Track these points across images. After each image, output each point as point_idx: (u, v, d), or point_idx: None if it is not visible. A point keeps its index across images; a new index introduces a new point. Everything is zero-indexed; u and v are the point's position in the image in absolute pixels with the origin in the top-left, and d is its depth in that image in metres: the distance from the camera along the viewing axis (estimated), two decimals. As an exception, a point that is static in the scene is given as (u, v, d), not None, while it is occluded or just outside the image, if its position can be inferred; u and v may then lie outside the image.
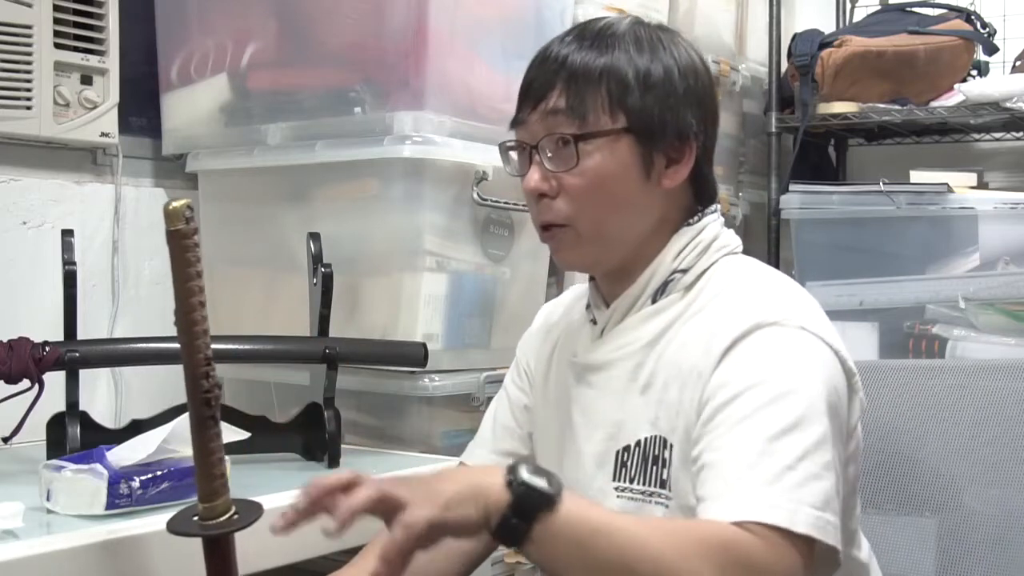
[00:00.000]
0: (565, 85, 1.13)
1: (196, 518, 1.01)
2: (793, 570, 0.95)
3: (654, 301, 1.17)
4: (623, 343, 1.17)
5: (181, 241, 0.95)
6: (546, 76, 1.15)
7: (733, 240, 1.21)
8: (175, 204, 0.94)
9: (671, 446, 1.10)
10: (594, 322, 1.23)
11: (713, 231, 1.19)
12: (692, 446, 1.06)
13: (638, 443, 1.13)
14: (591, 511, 0.95)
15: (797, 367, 1.04)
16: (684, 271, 1.16)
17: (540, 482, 0.93)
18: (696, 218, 1.19)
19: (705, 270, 1.16)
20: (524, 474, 0.93)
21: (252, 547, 1.16)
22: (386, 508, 0.92)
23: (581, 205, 1.14)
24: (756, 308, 1.08)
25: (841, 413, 1.07)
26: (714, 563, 0.92)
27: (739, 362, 1.05)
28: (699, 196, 1.20)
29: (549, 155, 1.14)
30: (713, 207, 1.21)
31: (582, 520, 0.93)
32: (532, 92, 1.16)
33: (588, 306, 1.25)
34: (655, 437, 1.12)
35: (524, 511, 0.92)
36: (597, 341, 1.20)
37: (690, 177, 1.17)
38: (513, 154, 1.21)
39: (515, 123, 1.19)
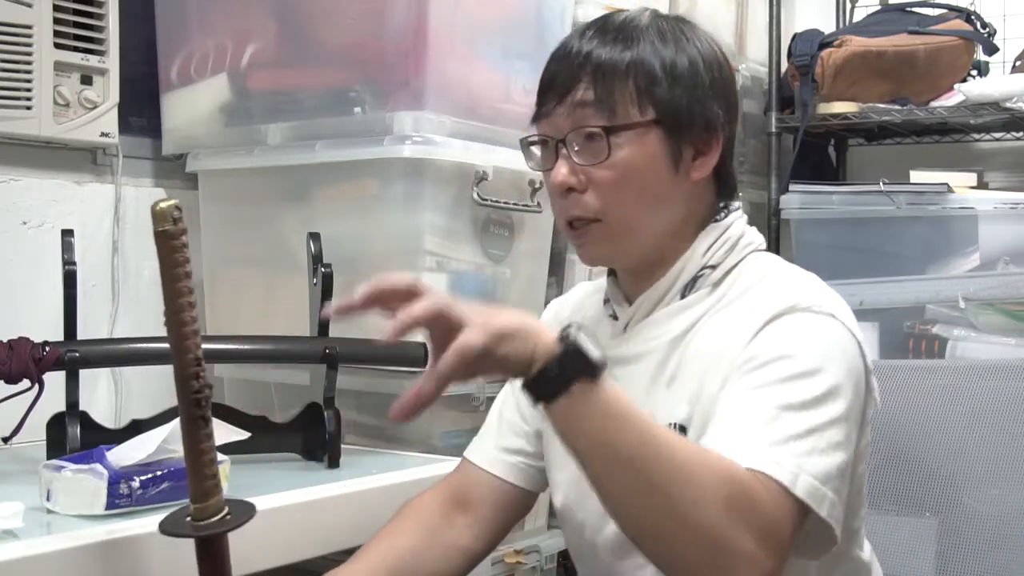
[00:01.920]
0: (592, 78, 1.13)
1: (188, 519, 1.01)
2: (785, 526, 0.95)
3: (682, 296, 1.17)
4: (650, 337, 1.17)
5: (169, 242, 0.94)
6: (571, 70, 1.14)
7: (757, 237, 1.22)
8: (162, 205, 0.94)
9: (685, 431, 1.11)
10: (614, 317, 1.22)
11: (740, 228, 1.20)
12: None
13: None
14: (628, 401, 0.94)
15: (826, 350, 1.05)
16: (713, 267, 1.17)
17: (592, 348, 0.92)
18: (723, 214, 1.19)
19: (733, 267, 1.17)
20: (579, 336, 0.93)
21: (251, 547, 1.16)
22: (441, 324, 0.92)
23: (612, 198, 1.13)
24: (791, 293, 1.10)
25: (860, 404, 1.08)
26: (724, 490, 0.92)
27: (771, 337, 1.06)
28: (721, 190, 1.20)
29: (576, 149, 1.13)
30: (737, 204, 1.22)
31: (618, 401, 0.93)
32: (556, 85, 1.15)
33: (606, 301, 1.24)
34: (673, 425, 1.12)
35: (568, 368, 0.92)
36: (621, 336, 1.20)
37: (714, 171, 1.18)
38: (535, 149, 1.20)
39: (538, 117, 1.17)
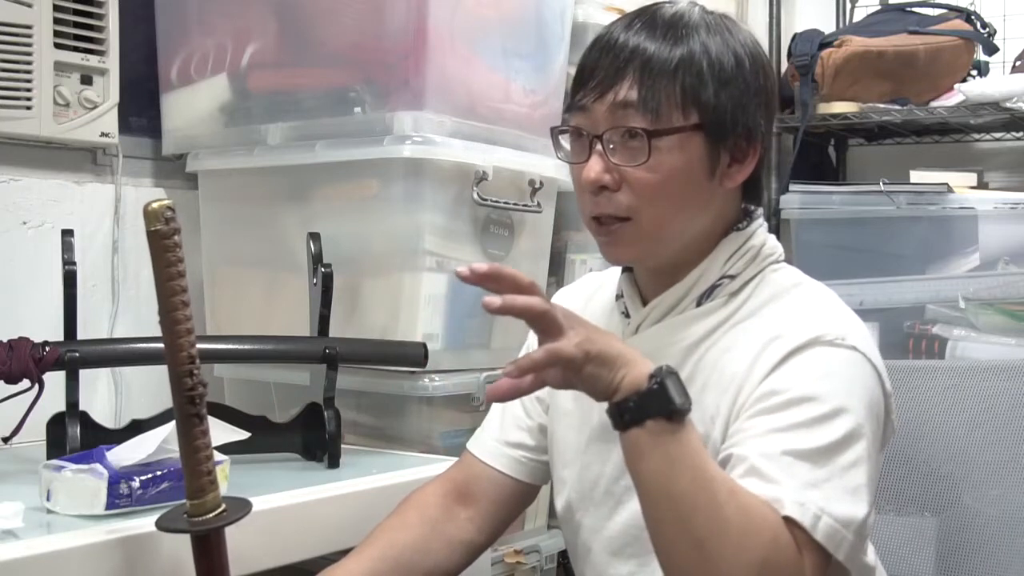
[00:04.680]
0: (638, 76, 1.09)
1: (185, 515, 1.02)
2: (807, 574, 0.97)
3: (698, 304, 1.15)
4: (664, 344, 1.15)
5: (161, 241, 0.96)
6: (614, 64, 1.11)
7: (778, 248, 1.20)
8: (155, 205, 0.95)
9: None
10: (626, 315, 1.21)
11: (761, 237, 1.18)
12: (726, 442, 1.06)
13: None
14: (698, 449, 0.97)
15: (849, 388, 1.05)
16: (732, 277, 1.15)
17: (676, 394, 0.96)
18: (745, 223, 1.17)
19: (752, 278, 1.16)
20: (668, 378, 0.96)
21: (251, 547, 1.16)
22: (542, 325, 0.96)
23: (646, 200, 1.11)
24: (815, 322, 1.08)
25: (879, 434, 1.08)
26: (760, 554, 0.94)
27: (795, 373, 1.05)
28: (749, 196, 1.19)
29: (612, 147, 1.11)
30: (760, 211, 1.20)
31: (686, 448, 0.96)
32: (598, 79, 1.11)
33: (619, 296, 1.23)
34: None
35: (646, 405, 0.96)
36: (632, 338, 1.18)
37: (746, 179, 1.16)
38: (565, 139, 1.17)
39: (574, 108, 1.14)
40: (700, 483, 0.95)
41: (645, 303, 1.19)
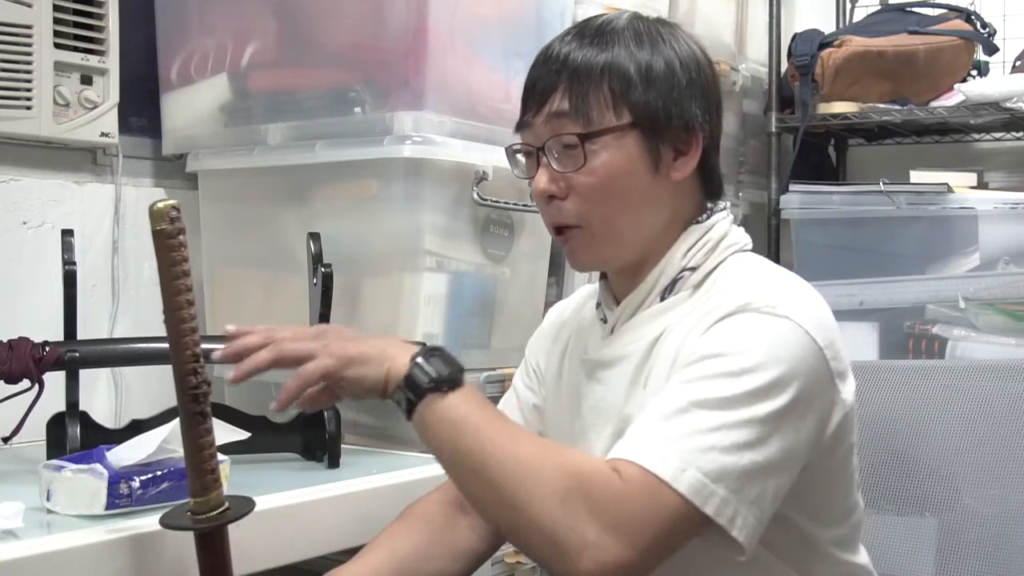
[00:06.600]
0: (568, 85, 1.14)
1: (189, 513, 1.03)
2: (653, 518, 0.97)
3: (662, 299, 1.17)
4: (631, 340, 1.17)
5: (165, 241, 0.96)
6: (548, 77, 1.15)
7: (742, 238, 1.21)
8: (160, 204, 0.96)
9: None
10: (604, 320, 1.23)
11: (722, 229, 1.19)
12: None
13: None
14: (478, 409, 1.04)
15: (768, 351, 1.03)
16: (693, 269, 1.16)
17: (435, 367, 1.04)
18: (705, 216, 1.19)
19: (713, 269, 1.17)
20: (423, 356, 1.04)
21: (251, 547, 1.16)
22: (288, 364, 1.06)
23: (592, 204, 1.14)
24: (747, 293, 1.09)
25: (809, 409, 1.05)
26: (562, 484, 0.97)
27: (713, 335, 1.07)
28: (707, 189, 1.20)
29: (556, 156, 1.15)
30: (723, 204, 1.22)
31: (462, 412, 1.03)
32: (535, 94, 1.16)
33: (598, 305, 1.25)
34: None
35: (414, 386, 1.03)
36: (607, 338, 1.21)
37: (698, 169, 1.17)
38: (520, 157, 1.21)
39: (520, 126, 1.19)
40: (485, 435, 1.01)
41: (619, 305, 1.21)
